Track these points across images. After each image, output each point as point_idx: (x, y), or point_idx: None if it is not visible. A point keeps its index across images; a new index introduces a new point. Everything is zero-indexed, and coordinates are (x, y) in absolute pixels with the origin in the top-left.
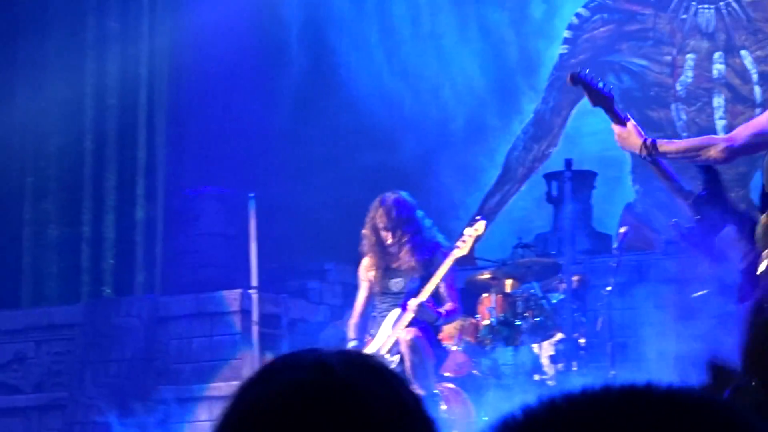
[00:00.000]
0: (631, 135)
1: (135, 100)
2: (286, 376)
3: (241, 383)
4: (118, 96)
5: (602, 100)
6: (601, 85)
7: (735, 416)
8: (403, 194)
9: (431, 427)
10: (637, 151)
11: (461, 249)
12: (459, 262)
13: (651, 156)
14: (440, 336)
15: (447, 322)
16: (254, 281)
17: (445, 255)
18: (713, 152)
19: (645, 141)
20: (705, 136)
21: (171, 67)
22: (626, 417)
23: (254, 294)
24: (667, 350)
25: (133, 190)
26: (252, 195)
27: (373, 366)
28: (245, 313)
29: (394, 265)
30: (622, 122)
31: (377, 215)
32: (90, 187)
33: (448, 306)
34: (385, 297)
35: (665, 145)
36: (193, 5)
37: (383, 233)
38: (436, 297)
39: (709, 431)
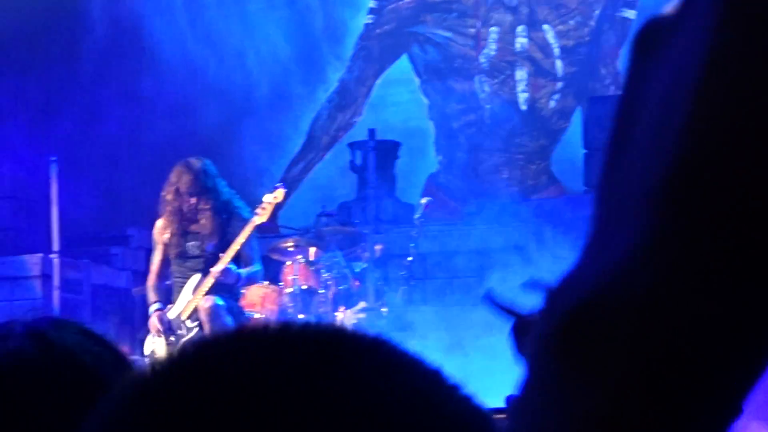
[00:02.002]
0: None
1: None
2: None
3: None
4: None
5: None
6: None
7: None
8: (207, 162)
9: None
10: None
11: (261, 216)
12: (262, 229)
13: None
14: (243, 303)
15: (248, 284)
16: (55, 246)
17: (243, 220)
18: None
19: None
20: None
21: None
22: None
23: (55, 259)
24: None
25: None
26: (54, 158)
27: (83, 328)
28: (46, 278)
29: (192, 229)
30: None
31: (181, 180)
32: None
33: (249, 268)
34: (182, 261)
35: None
36: None
37: (186, 198)
38: (237, 261)
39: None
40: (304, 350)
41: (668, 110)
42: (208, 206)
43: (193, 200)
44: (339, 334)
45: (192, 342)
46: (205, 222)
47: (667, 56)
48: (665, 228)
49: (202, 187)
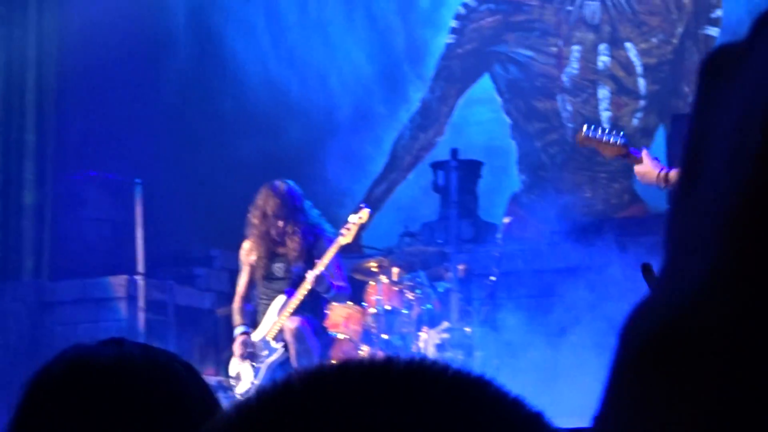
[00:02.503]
0: (648, 170)
1: (22, 83)
2: (76, 353)
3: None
4: (3, 79)
5: (617, 149)
6: (611, 137)
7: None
8: (292, 184)
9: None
10: (657, 184)
11: (345, 237)
12: (345, 250)
13: (668, 187)
14: (326, 323)
15: (338, 297)
16: (140, 267)
17: (330, 242)
18: None
19: (660, 172)
20: None
21: (59, 51)
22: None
23: (140, 280)
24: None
25: (21, 175)
26: (138, 181)
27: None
28: (131, 299)
29: (278, 251)
30: (640, 160)
31: (268, 204)
32: None
33: (339, 282)
34: (268, 282)
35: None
36: None
37: (273, 221)
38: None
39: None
40: (409, 391)
41: (742, 137)
42: (295, 228)
43: (281, 223)
44: (443, 372)
45: (298, 375)
46: (292, 244)
47: (739, 84)
48: (742, 254)
49: (290, 210)
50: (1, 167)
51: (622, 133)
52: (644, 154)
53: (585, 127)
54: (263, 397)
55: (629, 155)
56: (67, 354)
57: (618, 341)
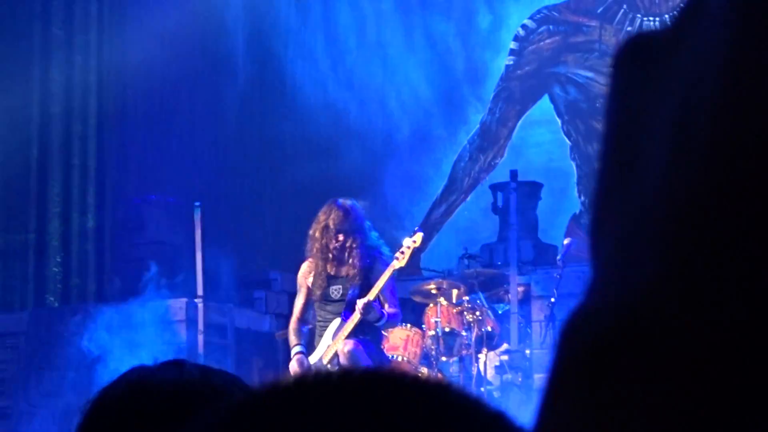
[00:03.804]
0: None
1: (84, 109)
2: (140, 374)
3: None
4: (64, 104)
5: None
6: None
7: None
8: (355, 202)
9: None
10: None
11: (399, 261)
12: (404, 272)
13: None
14: (385, 346)
15: (388, 324)
16: (200, 290)
17: (386, 265)
18: None
19: None
20: None
21: (119, 75)
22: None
23: (200, 303)
24: None
25: (83, 199)
26: (198, 204)
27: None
28: (191, 322)
29: (334, 272)
30: None
31: (331, 217)
32: (35, 195)
33: (390, 309)
34: (324, 305)
35: None
36: (140, 14)
37: (334, 235)
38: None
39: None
40: (369, 397)
41: (687, 126)
42: (354, 246)
43: (341, 237)
44: (401, 378)
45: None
46: (350, 263)
47: (673, 71)
48: (690, 248)
49: (351, 225)
50: (63, 191)
51: None
52: None
53: None
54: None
55: None
56: (127, 376)
57: (558, 346)
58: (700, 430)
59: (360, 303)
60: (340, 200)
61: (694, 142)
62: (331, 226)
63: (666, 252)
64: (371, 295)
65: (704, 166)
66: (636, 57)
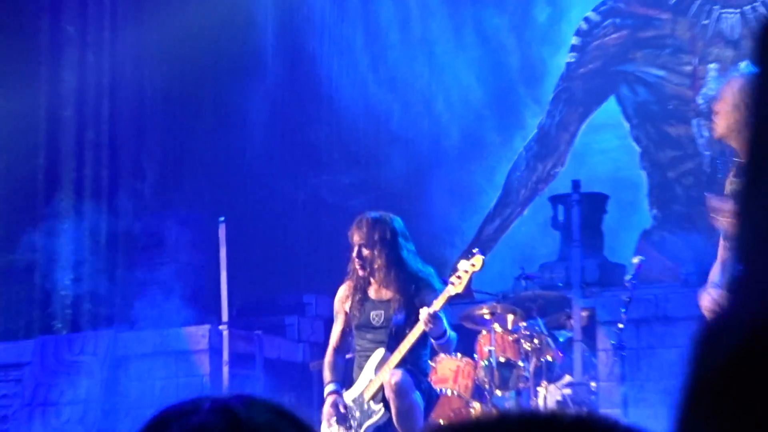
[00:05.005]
0: None
1: (97, 113)
2: (185, 421)
3: None
4: (75, 108)
5: None
6: None
7: None
8: (399, 220)
9: None
10: None
11: (455, 286)
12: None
13: None
14: (433, 378)
15: (447, 347)
16: (225, 316)
17: (431, 287)
18: None
19: None
20: None
21: (135, 77)
22: None
23: (225, 330)
24: None
25: (96, 214)
26: (222, 219)
27: (275, 407)
28: (214, 351)
29: (374, 295)
30: None
31: (358, 233)
32: (42, 210)
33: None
34: (365, 332)
35: None
36: (158, 9)
37: (363, 253)
38: (424, 335)
39: None
40: None
41: None
42: (387, 264)
43: (367, 253)
44: (614, 427)
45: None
46: (390, 287)
47: None
48: None
49: (381, 240)
50: (73, 206)
51: None
52: None
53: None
54: None
55: None
56: (160, 423)
57: (692, 362)
58: None
59: (424, 313)
60: (371, 213)
61: None
62: (359, 242)
63: None
64: (437, 305)
65: None
66: None
